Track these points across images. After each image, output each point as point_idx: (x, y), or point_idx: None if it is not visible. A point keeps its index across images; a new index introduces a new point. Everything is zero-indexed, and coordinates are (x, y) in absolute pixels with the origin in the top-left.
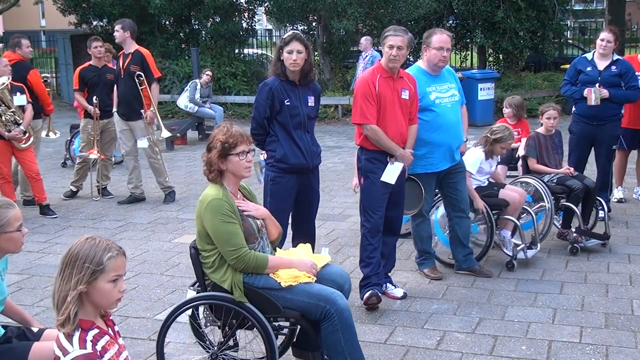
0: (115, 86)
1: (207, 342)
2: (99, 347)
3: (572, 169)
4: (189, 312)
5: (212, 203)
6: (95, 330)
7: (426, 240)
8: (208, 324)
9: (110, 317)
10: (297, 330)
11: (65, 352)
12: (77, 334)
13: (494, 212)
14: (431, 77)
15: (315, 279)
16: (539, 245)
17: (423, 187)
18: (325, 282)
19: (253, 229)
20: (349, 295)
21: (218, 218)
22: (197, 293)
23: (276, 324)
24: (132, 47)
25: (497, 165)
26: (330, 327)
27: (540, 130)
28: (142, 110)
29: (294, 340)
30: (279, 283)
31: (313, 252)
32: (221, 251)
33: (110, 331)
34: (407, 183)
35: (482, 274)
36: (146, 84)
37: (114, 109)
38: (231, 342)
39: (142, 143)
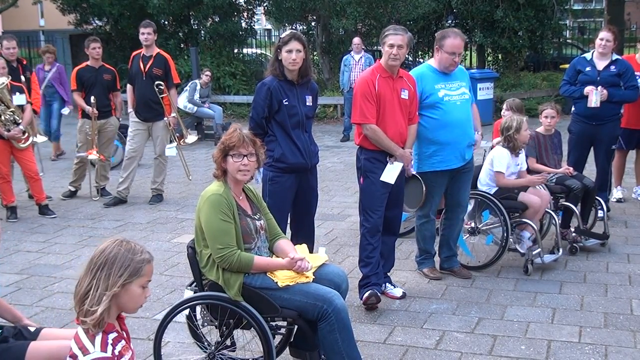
0: (131, 87)
1: (205, 342)
2: (116, 352)
3: (571, 168)
4: (187, 312)
5: (211, 198)
6: (114, 334)
7: (428, 240)
8: (205, 323)
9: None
10: (295, 329)
11: (85, 352)
12: (99, 335)
13: (512, 215)
14: (441, 75)
15: (312, 278)
16: (561, 250)
17: (431, 186)
18: (322, 281)
19: (250, 229)
20: (346, 294)
21: (213, 213)
22: (195, 293)
23: (274, 323)
24: (154, 49)
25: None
26: (327, 327)
27: (540, 129)
28: (165, 118)
29: (292, 339)
30: (276, 283)
31: (312, 252)
32: (209, 247)
33: (124, 333)
34: (410, 180)
35: (462, 275)
36: (166, 91)
37: (129, 110)
38: (228, 342)
39: (171, 151)
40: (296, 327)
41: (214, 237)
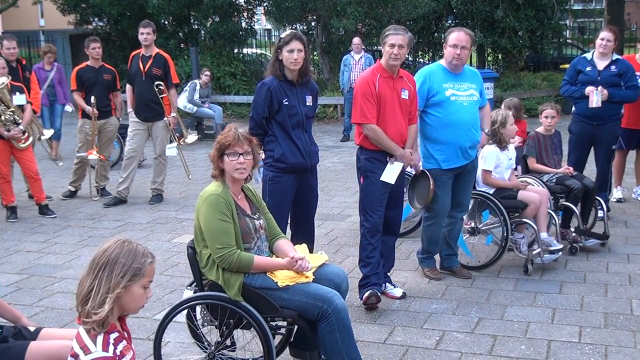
0: (131, 87)
1: (205, 342)
2: (117, 352)
3: (571, 168)
4: (187, 312)
5: (209, 199)
6: (116, 334)
7: (433, 242)
8: (205, 323)
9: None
10: (295, 329)
11: (87, 351)
12: (101, 335)
13: (512, 214)
14: (450, 74)
15: (312, 278)
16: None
17: (436, 185)
18: (322, 281)
19: (249, 228)
20: (346, 294)
21: (212, 214)
22: (195, 293)
23: (274, 323)
24: (153, 49)
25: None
26: (327, 327)
27: (540, 129)
28: (165, 118)
29: (292, 339)
30: (276, 283)
31: (312, 252)
32: (209, 247)
33: (125, 333)
34: (420, 177)
35: (462, 275)
36: (166, 91)
37: (129, 110)
38: (228, 342)
39: (172, 151)
40: (296, 327)
41: (213, 237)
